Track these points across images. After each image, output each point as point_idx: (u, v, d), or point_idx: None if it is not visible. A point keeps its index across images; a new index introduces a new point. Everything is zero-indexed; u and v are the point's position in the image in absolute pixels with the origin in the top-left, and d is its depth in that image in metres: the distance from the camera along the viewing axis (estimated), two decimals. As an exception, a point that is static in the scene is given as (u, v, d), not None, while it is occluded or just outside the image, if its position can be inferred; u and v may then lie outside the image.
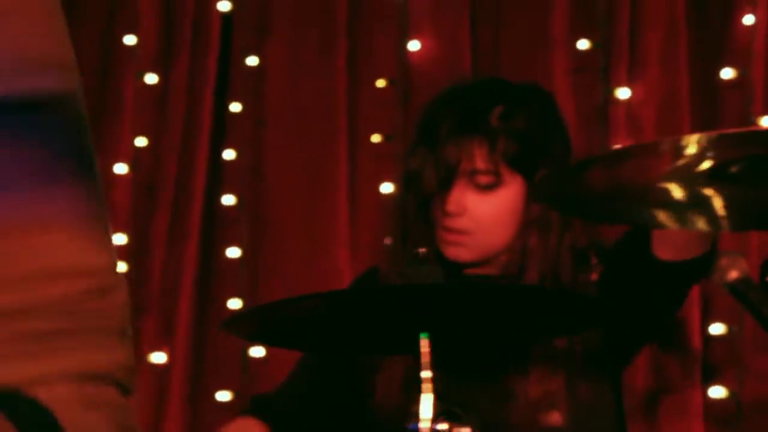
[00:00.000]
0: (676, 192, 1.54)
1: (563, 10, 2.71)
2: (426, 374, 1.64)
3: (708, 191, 1.51)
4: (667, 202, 1.61)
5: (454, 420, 1.63)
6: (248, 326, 2.04)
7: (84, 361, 0.72)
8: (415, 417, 1.65)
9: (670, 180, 1.54)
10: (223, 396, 2.56)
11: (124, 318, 0.76)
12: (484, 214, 2.08)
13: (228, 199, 2.67)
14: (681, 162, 1.50)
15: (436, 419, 1.62)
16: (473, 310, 1.81)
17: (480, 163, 2.05)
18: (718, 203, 1.56)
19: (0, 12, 0.71)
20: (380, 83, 2.73)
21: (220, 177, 2.72)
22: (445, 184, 2.05)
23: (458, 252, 2.08)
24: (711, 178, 1.47)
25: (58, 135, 0.75)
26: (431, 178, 2.08)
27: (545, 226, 2.14)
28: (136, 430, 0.77)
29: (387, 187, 2.58)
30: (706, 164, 1.45)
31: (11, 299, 0.69)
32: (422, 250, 1.99)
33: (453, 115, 2.13)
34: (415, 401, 1.70)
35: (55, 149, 0.75)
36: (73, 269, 0.72)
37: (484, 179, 2.07)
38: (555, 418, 2.04)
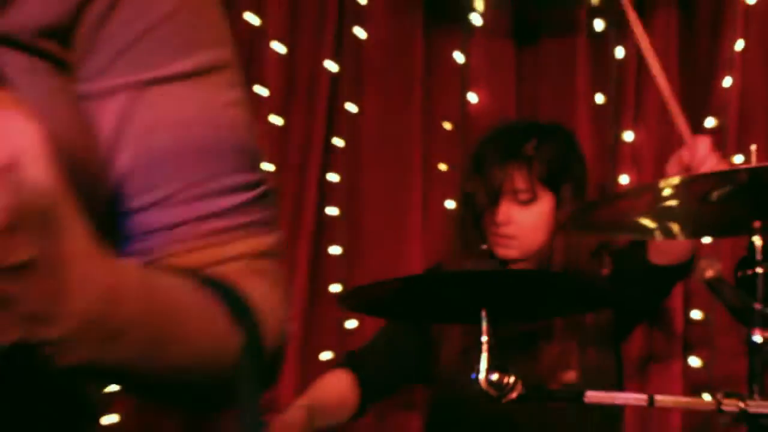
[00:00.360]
0: (648, 222, 1.96)
1: (585, 72, 2.95)
2: (484, 338, 1.81)
3: (671, 217, 1.93)
4: (643, 229, 2.00)
5: (503, 372, 1.80)
6: (354, 301, 2.25)
7: (253, 245, 0.78)
8: (475, 370, 1.82)
9: (644, 215, 1.93)
10: (326, 356, 2.77)
11: (275, 211, 0.81)
12: (525, 222, 2.27)
13: (332, 210, 2.88)
14: (659, 198, 1.84)
15: (490, 371, 1.80)
16: (515, 292, 1.94)
17: (520, 184, 2.25)
18: (676, 227, 1.98)
19: (177, 7, 0.75)
20: (446, 125, 2.99)
21: (326, 194, 2.94)
22: (494, 201, 2.26)
23: (507, 252, 2.30)
24: (700, 200, 1.79)
25: (233, 88, 0.80)
26: (483, 197, 2.29)
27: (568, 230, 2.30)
28: (285, 286, 0.83)
29: (450, 204, 2.83)
30: (674, 202, 1.84)
31: (201, 209, 0.76)
32: (484, 247, 2.34)
33: (498, 147, 2.33)
34: (473, 359, 1.87)
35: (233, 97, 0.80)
36: (246, 185, 0.78)
37: (523, 196, 2.26)
38: (571, 375, 2.28)
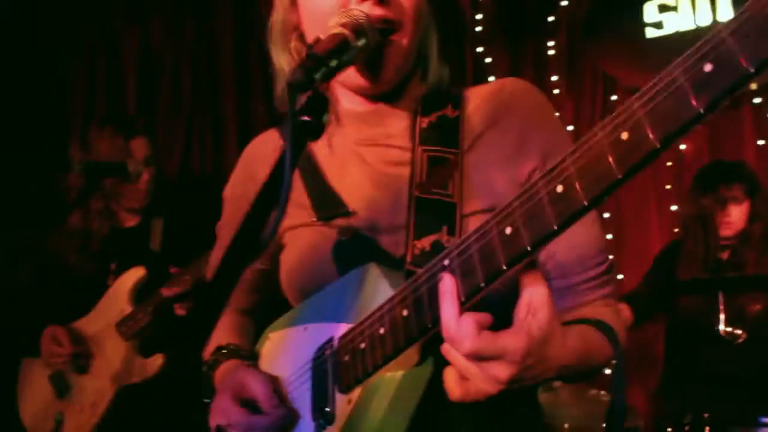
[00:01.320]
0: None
1: (750, 128, 3.74)
2: (721, 307, 2.47)
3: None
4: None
5: (734, 326, 2.44)
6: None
7: (605, 292, 1.12)
8: (715, 322, 2.54)
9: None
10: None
11: (614, 274, 1.04)
12: (738, 216, 3.04)
13: (606, 215, 3.90)
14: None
15: (726, 324, 2.48)
16: (733, 285, 2.73)
17: (738, 193, 3.05)
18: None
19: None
20: (668, 163, 3.89)
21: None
22: (724, 206, 3.05)
23: (727, 233, 3.06)
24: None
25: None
26: (716, 205, 3.05)
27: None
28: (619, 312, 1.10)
29: (673, 207, 3.84)
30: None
31: (582, 279, 1.06)
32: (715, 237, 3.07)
33: (724, 173, 3.11)
34: (708, 312, 2.58)
35: None
36: (599, 263, 1.09)
37: (738, 200, 3.03)
38: (758, 307, 2.82)
